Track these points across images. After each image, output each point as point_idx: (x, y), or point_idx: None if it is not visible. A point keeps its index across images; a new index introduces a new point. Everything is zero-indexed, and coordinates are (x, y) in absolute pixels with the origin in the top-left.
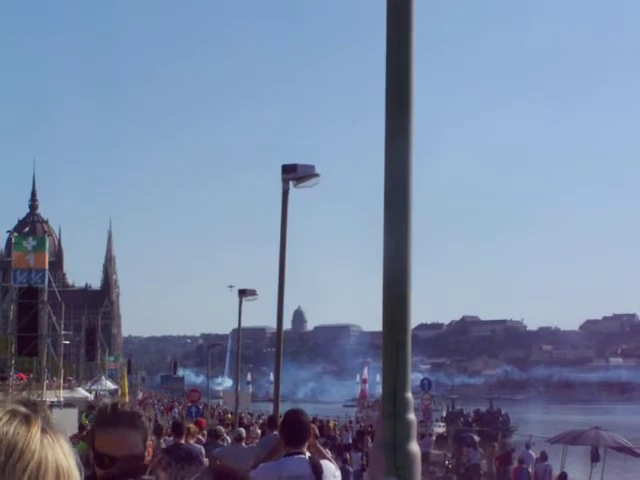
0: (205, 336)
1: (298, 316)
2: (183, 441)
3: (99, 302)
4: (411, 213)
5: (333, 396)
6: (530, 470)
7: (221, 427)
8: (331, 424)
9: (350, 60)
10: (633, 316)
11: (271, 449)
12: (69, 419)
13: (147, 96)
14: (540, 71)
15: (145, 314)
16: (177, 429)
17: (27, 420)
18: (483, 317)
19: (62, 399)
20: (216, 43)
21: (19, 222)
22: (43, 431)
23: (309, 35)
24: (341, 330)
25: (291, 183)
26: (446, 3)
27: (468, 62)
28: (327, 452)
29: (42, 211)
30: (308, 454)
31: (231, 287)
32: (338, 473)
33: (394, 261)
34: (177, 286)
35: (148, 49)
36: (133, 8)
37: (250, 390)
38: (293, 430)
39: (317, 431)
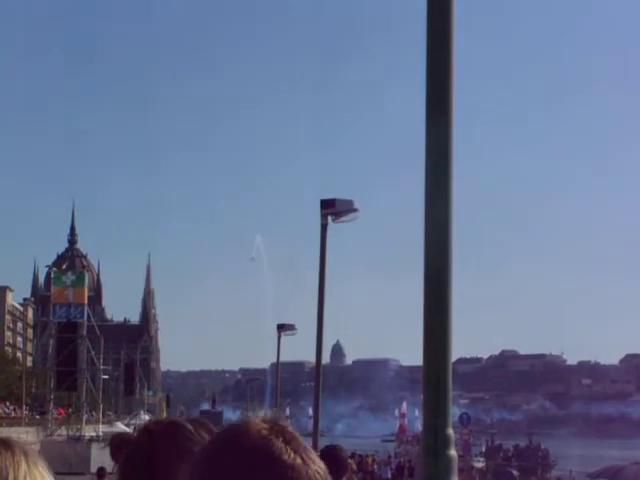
0: (244, 371)
1: (336, 350)
2: None
3: (138, 336)
4: (451, 248)
5: (371, 431)
6: None
7: None
8: (369, 459)
9: (386, 87)
10: None
11: None
12: (108, 454)
13: (182, 129)
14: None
15: (184, 348)
16: None
17: (9, 447)
18: (522, 351)
19: (101, 434)
20: (247, 72)
21: (58, 257)
22: (25, 457)
23: (345, 65)
24: (380, 364)
25: (329, 218)
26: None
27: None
28: None
29: (81, 245)
30: None
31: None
32: None
33: (434, 295)
34: (216, 320)
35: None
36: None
37: (289, 425)
38: (331, 465)
39: (354, 466)
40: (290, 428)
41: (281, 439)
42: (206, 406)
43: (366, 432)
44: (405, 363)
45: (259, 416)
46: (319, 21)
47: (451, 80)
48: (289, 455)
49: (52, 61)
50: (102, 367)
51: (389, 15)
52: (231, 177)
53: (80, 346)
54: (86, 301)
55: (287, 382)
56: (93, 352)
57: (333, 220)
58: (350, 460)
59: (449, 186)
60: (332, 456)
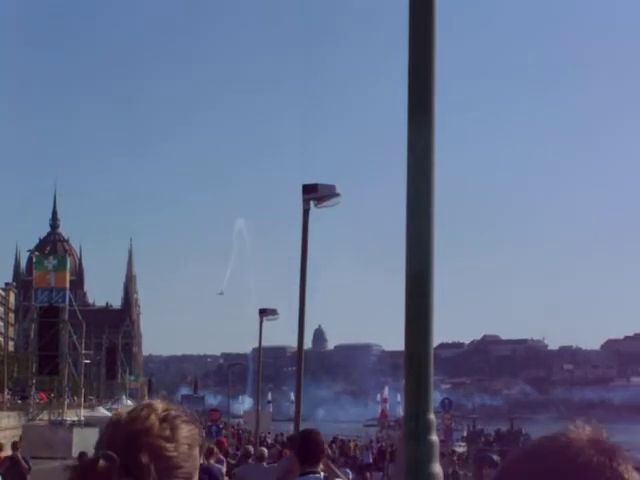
0: (226, 355)
1: (318, 335)
2: (202, 460)
3: (120, 321)
4: (433, 232)
5: (353, 415)
6: None
7: (251, 447)
8: (352, 444)
9: (371, 77)
10: None
11: (286, 469)
12: (90, 438)
13: (166, 115)
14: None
15: (165, 333)
16: None
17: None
18: (504, 336)
19: (83, 418)
20: (226, 57)
21: (40, 241)
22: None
23: (330, 54)
24: (362, 349)
25: (312, 203)
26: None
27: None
28: (346, 471)
29: (63, 230)
30: (323, 474)
31: (221, 293)
32: None
33: (416, 280)
34: (197, 305)
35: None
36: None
37: (271, 409)
38: (307, 450)
39: (329, 451)
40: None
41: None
42: (188, 391)
43: (349, 417)
44: (387, 348)
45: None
46: (305, 10)
47: (433, 76)
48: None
49: (36, 45)
50: (84, 352)
51: (374, 4)
52: (214, 163)
53: (62, 330)
54: (68, 285)
55: (269, 367)
56: (75, 337)
57: (315, 205)
58: (326, 445)
59: (431, 175)
60: (309, 440)
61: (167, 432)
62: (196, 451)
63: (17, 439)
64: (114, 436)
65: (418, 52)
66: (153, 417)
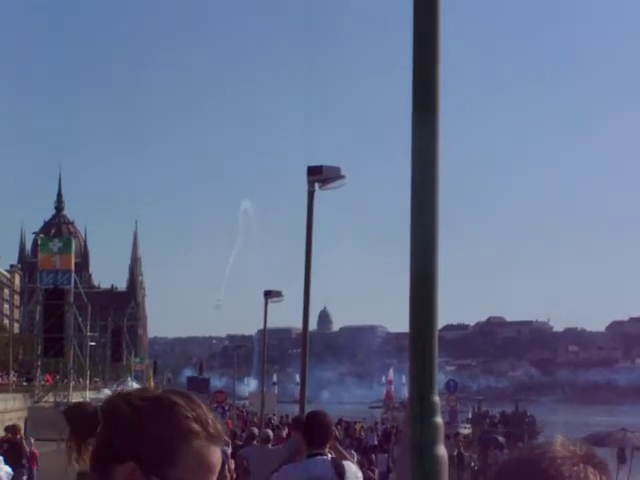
0: (231, 337)
1: (324, 317)
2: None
3: (125, 303)
4: (438, 213)
5: (359, 397)
6: None
7: (255, 429)
8: (357, 426)
9: (376, 61)
10: None
11: (294, 450)
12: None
13: (171, 98)
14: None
15: (171, 315)
16: None
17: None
18: (509, 318)
19: (88, 400)
20: (230, 38)
21: (45, 224)
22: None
23: (334, 36)
24: (367, 331)
25: (316, 185)
26: None
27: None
28: (351, 453)
29: (68, 212)
30: (330, 455)
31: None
32: (360, 474)
33: (421, 262)
34: (203, 287)
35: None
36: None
37: (276, 391)
38: (315, 431)
39: (337, 433)
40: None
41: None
42: (193, 372)
43: (354, 399)
44: (392, 330)
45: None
46: None
47: (437, 67)
48: None
49: (40, 27)
50: (89, 334)
51: None
52: (219, 146)
53: (67, 313)
54: (73, 268)
55: (274, 348)
56: (80, 319)
57: (320, 187)
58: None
59: (435, 161)
60: (316, 422)
61: None
62: None
63: (15, 423)
64: None
65: (423, 35)
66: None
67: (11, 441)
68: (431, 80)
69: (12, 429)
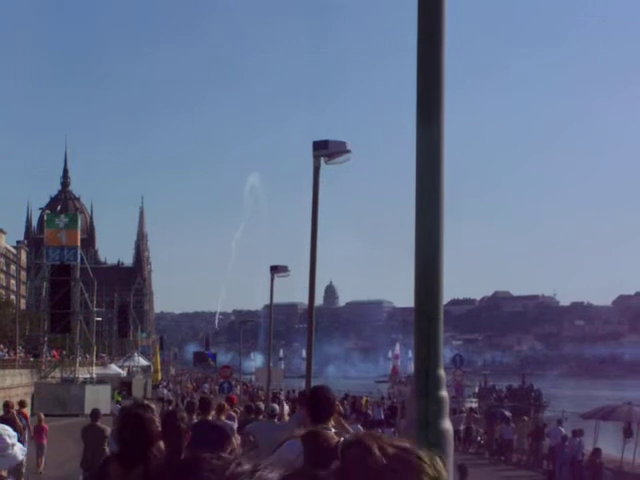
0: (237, 312)
1: (330, 292)
2: (210, 417)
3: (131, 279)
4: (443, 189)
5: (365, 372)
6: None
7: (261, 403)
8: (363, 400)
9: (381, 38)
10: None
11: (297, 425)
12: (102, 395)
13: (180, 77)
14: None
15: (177, 290)
16: (203, 405)
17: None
18: (515, 292)
19: (95, 376)
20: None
21: (51, 199)
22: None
23: (341, 13)
24: (373, 306)
25: (322, 160)
26: None
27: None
28: (358, 427)
29: (74, 188)
30: (334, 430)
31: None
32: None
33: (426, 237)
34: (209, 262)
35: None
36: None
37: (282, 366)
38: (318, 406)
39: (340, 407)
40: None
41: None
42: (198, 347)
43: (360, 373)
44: (398, 305)
45: None
46: None
47: (442, 45)
48: None
49: (48, 9)
50: (95, 309)
51: None
52: (225, 123)
53: (73, 288)
54: (79, 244)
55: (281, 324)
56: (86, 294)
57: (326, 162)
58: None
59: (440, 119)
60: (320, 397)
61: None
62: None
63: (11, 399)
64: None
65: (429, 14)
66: None
67: (3, 418)
68: (435, 79)
69: (5, 405)
